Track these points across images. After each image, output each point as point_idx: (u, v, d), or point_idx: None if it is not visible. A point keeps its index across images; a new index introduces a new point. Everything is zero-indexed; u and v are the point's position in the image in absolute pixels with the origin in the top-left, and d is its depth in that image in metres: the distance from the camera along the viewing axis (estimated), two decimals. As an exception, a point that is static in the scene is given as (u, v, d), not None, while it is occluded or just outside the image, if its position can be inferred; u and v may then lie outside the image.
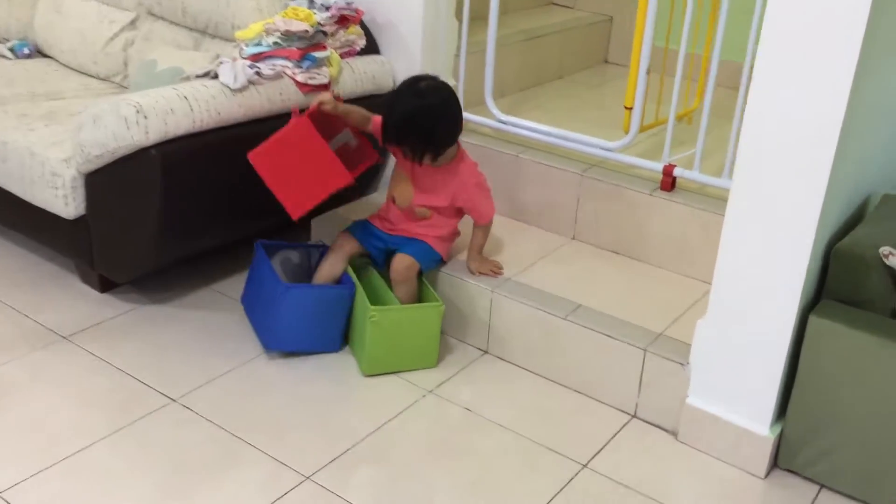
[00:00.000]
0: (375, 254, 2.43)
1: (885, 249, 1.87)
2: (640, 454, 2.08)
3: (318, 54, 2.55)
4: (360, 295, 2.27)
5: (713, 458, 2.07)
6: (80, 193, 2.38)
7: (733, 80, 2.51)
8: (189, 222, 2.39)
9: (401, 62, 2.84)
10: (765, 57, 1.79)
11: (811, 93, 1.75)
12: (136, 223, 2.32)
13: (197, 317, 2.49)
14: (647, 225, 2.53)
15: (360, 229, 2.45)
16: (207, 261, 2.68)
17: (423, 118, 2.23)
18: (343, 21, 2.69)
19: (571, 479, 1.98)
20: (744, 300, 1.95)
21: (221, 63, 2.41)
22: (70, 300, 2.53)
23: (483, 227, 2.41)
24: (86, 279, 2.59)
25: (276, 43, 2.49)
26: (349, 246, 2.42)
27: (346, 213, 2.71)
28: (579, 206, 2.65)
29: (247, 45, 2.53)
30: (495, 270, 2.41)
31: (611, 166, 2.66)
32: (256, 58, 2.50)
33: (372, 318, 2.19)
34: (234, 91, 2.36)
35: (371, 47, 2.82)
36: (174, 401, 2.14)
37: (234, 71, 2.36)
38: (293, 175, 2.28)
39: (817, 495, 1.98)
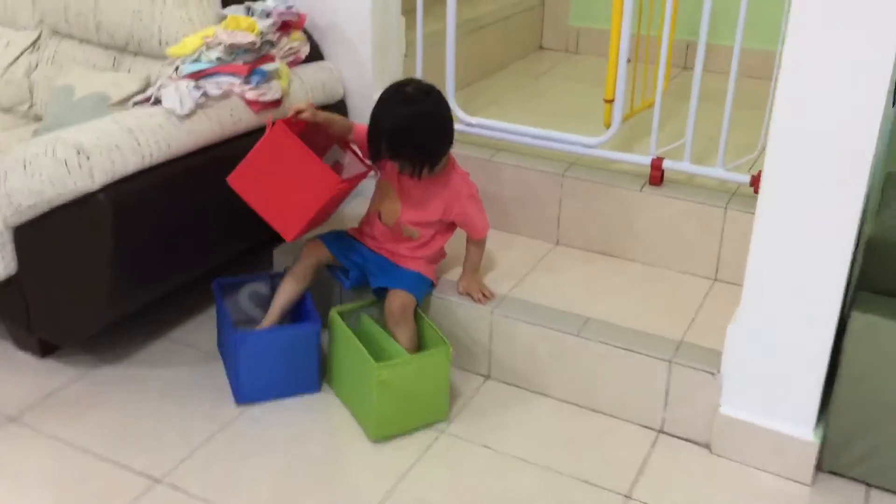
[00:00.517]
0: (350, 268, 2.18)
1: (921, 234, 1.78)
2: (678, 475, 1.94)
3: (266, 67, 2.28)
4: (357, 349, 2.00)
5: (754, 468, 1.95)
6: (9, 250, 2.05)
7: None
8: (144, 269, 2.10)
9: (349, 67, 2.60)
10: (797, 42, 1.65)
11: (850, 79, 1.62)
12: (82, 277, 2.01)
13: (158, 375, 2.20)
14: (638, 222, 2.39)
15: (336, 240, 2.20)
16: (155, 307, 2.37)
17: (418, 127, 2.01)
18: (285, 27, 2.43)
19: (616, 516, 1.82)
20: (780, 300, 1.82)
21: (161, 86, 2.12)
22: (7, 372, 2.19)
23: (478, 242, 2.21)
24: (22, 345, 2.26)
25: (219, 58, 2.21)
26: (318, 255, 2.17)
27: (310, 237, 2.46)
28: (562, 209, 2.48)
29: (183, 63, 2.24)
30: (485, 294, 2.21)
31: (589, 163, 2.50)
32: (196, 76, 2.21)
33: (380, 378, 1.92)
34: (182, 117, 2.08)
35: (314, 53, 2.57)
36: (159, 481, 1.86)
37: (178, 94, 2.08)
38: (279, 191, 2.03)
39: (867, 495, 1.89)
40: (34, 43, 2.71)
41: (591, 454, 1.98)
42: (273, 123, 2.02)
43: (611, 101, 2.43)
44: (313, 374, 2.14)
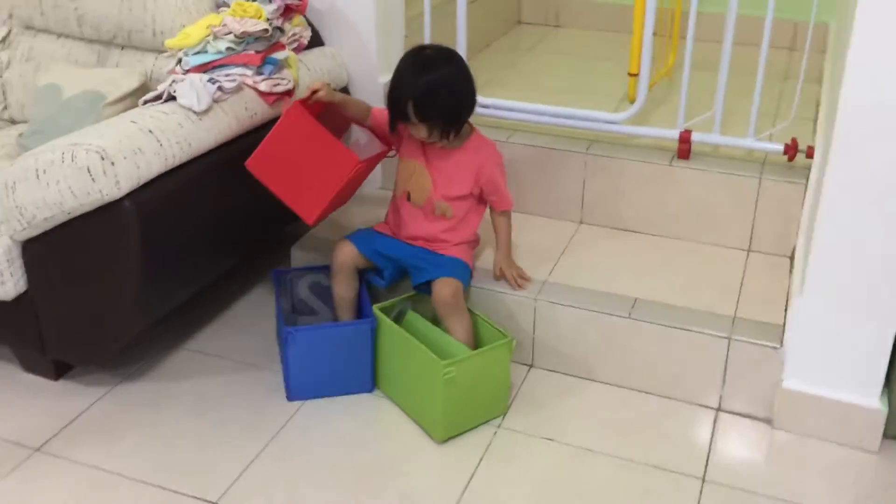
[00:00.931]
0: (385, 266, 2.09)
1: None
2: (748, 453, 1.90)
3: (278, 56, 2.14)
4: (416, 347, 1.90)
5: (820, 440, 1.92)
6: (18, 266, 1.88)
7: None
8: (170, 275, 1.96)
9: (352, 52, 2.47)
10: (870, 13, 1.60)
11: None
12: (106, 290, 1.86)
13: (188, 389, 2.06)
14: (667, 197, 2.33)
15: (365, 239, 2.10)
16: (164, 317, 2.22)
17: (445, 88, 1.95)
18: (287, 12, 2.28)
19: (700, 501, 1.77)
20: (850, 272, 1.79)
21: (174, 81, 1.96)
22: (21, 398, 2.02)
23: (505, 214, 2.12)
24: (32, 367, 2.08)
25: (229, 48, 2.06)
26: (349, 257, 2.07)
27: (327, 232, 2.34)
28: (585, 188, 2.41)
29: (186, 55, 2.08)
30: (522, 276, 2.14)
31: (611, 139, 2.44)
32: (203, 68, 2.06)
33: (447, 376, 1.82)
34: (200, 114, 1.93)
35: (314, 39, 2.43)
36: (217, 505, 1.74)
37: (194, 90, 1.93)
38: (297, 173, 1.97)
39: (933, 458, 1.89)
40: (3, 39, 2.50)
41: (656, 438, 1.93)
42: (287, 104, 1.96)
43: (635, 75, 2.36)
44: (366, 373, 2.05)
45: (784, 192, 2.23)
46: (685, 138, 2.29)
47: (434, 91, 1.93)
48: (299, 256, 2.31)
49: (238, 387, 2.08)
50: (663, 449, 1.90)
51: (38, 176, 1.75)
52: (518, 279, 2.12)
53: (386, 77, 2.49)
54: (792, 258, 2.26)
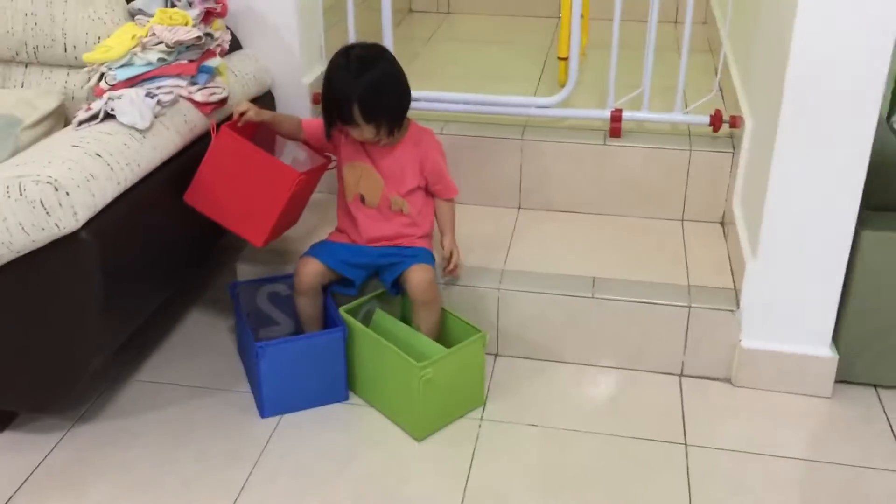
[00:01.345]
0: (353, 275, 2.05)
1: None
2: (718, 413, 1.99)
3: (211, 63, 2.04)
4: (390, 351, 1.88)
5: (778, 392, 2.04)
6: (-49, 315, 1.72)
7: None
8: (128, 305, 1.85)
9: (274, 53, 2.39)
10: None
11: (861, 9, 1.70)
12: (62, 329, 1.72)
13: (151, 423, 1.95)
14: (603, 176, 2.40)
15: (326, 252, 2.05)
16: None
17: (386, 84, 1.94)
18: (207, 17, 2.17)
19: (688, 465, 1.84)
20: (799, 230, 1.90)
21: (110, 98, 1.83)
22: (-33, 456, 1.86)
23: (450, 202, 2.12)
24: (-27, 421, 1.92)
25: (160, 59, 1.95)
26: (316, 276, 2.02)
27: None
28: (522, 173, 2.44)
29: (110, 69, 1.95)
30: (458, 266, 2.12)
31: (541, 123, 2.48)
32: (132, 82, 1.95)
33: (425, 377, 1.82)
34: (143, 132, 1.82)
35: (233, 43, 2.33)
36: (219, 540, 1.66)
37: (135, 106, 1.81)
38: (237, 198, 1.95)
39: (879, 395, 2.04)
40: None
41: (632, 411, 2.00)
42: (217, 129, 1.92)
43: (565, 59, 2.40)
44: (340, 382, 2.00)
45: (712, 162, 2.34)
46: (616, 117, 2.35)
47: (377, 89, 1.91)
48: (246, 270, 2.22)
49: (205, 413, 1.99)
50: (641, 420, 1.97)
51: (-23, 215, 1.60)
52: (456, 266, 2.10)
53: (310, 77, 2.45)
54: (722, 224, 2.39)
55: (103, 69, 1.97)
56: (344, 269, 2.04)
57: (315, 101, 2.47)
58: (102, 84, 1.95)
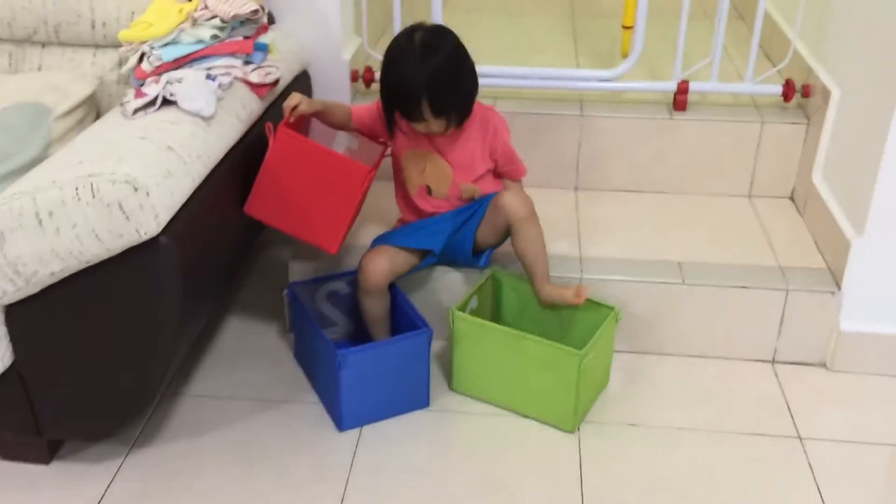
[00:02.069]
0: (430, 244, 1.87)
1: None
2: (825, 403, 1.88)
3: (265, 40, 1.83)
4: (536, 343, 1.74)
5: (879, 375, 1.95)
6: (1, 334, 1.49)
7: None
8: (198, 312, 1.65)
9: (310, 28, 2.17)
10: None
11: None
12: (131, 346, 1.51)
13: (217, 443, 1.75)
14: (669, 152, 2.26)
15: (400, 234, 1.88)
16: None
17: (456, 73, 1.76)
18: (244, -13, 1.96)
19: (809, 461, 1.73)
20: (911, 208, 1.81)
21: (169, 82, 1.61)
22: (11, 495, 1.63)
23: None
24: (11, 454, 1.69)
25: (214, 36, 1.72)
26: (382, 269, 1.83)
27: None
28: (580, 152, 2.29)
29: (153, 48, 1.72)
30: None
31: (597, 98, 2.32)
32: (179, 63, 1.72)
33: (585, 366, 1.70)
34: (209, 120, 1.60)
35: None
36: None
37: (199, 91, 1.59)
38: (303, 203, 1.76)
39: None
40: None
41: (733, 403, 1.88)
42: (273, 131, 1.72)
43: (630, 28, 2.24)
44: (423, 388, 1.84)
45: (784, 134, 2.22)
46: (683, 89, 2.22)
47: (447, 81, 1.73)
48: (299, 269, 2.02)
49: (275, 429, 1.80)
50: (747, 413, 1.85)
51: (40, 222, 1.37)
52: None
53: (349, 52, 2.25)
54: (792, 199, 2.28)
55: (144, 48, 1.73)
56: (420, 241, 1.86)
57: (354, 78, 2.27)
58: (144, 65, 1.72)
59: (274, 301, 2.08)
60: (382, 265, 1.83)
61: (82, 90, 1.78)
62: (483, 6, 3.15)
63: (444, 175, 1.87)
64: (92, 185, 1.36)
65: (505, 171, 1.93)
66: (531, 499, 1.64)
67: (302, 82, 2.14)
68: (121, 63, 1.87)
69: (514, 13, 3.12)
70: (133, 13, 1.84)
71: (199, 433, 1.79)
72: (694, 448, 1.76)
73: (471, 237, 1.88)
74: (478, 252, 1.92)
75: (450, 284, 1.96)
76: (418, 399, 1.85)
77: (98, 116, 1.85)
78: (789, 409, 1.87)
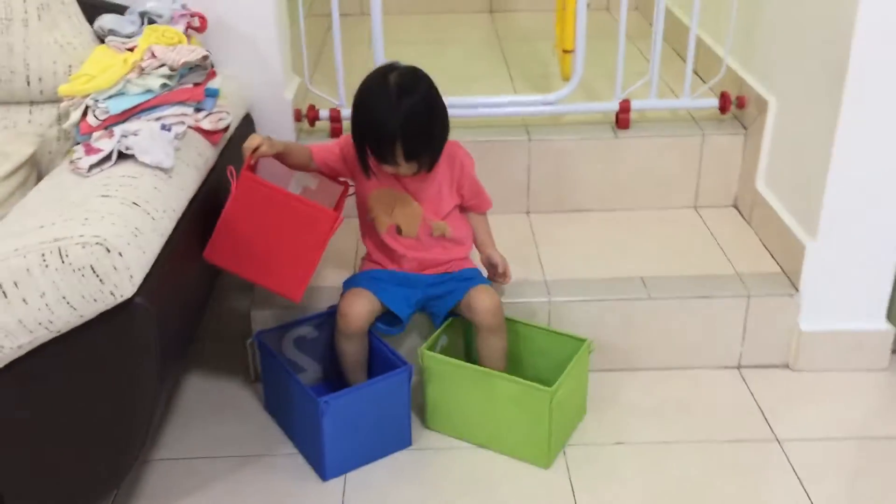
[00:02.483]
0: (402, 310, 1.84)
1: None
2: (794, 403, 1.93)
3: (214, 85, 1.78)
4: (513, 382, 1.71)
5: (838, 371, 2.01)
6: (-40, 417, 1.39)
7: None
8: (172, 370, 1.57)
9: (250, 69, 2.12)
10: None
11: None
12: (110, 415, 1.43)
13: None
14: (616, 169, 2.30)
15: (377, 283, 1.84)
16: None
17: (431, 117, 1.73)
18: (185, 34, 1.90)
19: (790, 461, 1.77)
20: (860, 206, 1.87)
21: (124, 137, 1.54)
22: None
23: (485, 217, 1.96)
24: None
25: (164, 85, 1.66)
26: (365, 311, 1.79)
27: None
28: (530, 176, 2.31)
29: (98, 101, 1.65)
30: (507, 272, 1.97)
31: (541, 122, 2.34)
32: (126, 114, 1.66)
33: (556, 401, 1.67)
34: (168, 172, 1.54)
35: (203, 60, 2.06)
36: None
37: (157, 143, 1.53)
38: (267, 249, 1.70)
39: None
40: None
41: (708, 412, 1.90)
42: (235, 174, 1.67)
43: (570, 52, 2.27)
44: (405, 427, 1.80)
45: (724, 145, 2.29)
46: (625, 108, 2.26)
47: (421, 126, 1.70)
48: (260, 317, 1.96)
49: (256, 485, 1.73)
50: (721, 421, 1.88)
51: (4, 293, 1.28)
52: (505, 272, 1.94)
53: (291, 91, 2.22)
54: (736, 206, 2.35)
55: (88, 102, 1.66)
56: (394, 304, 1.83)
57: (297, 118, 2.24)
58: (90, 119, 1.65)
59: (233, 352, 2.02)
60: (363, 307, 1.79)
61: (23, 150, 1.69)
62: (409, 38, 3.16)
63: (414, 215, 1.84)
64: (60, 249, 1.28)
65: (470, 204, 1.91)
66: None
67: (246, 125, 2.10)
68: (60, 119, 1.79)
69: (441, 42, 3.14)
70: (71, 66, 1.76)
71: (174, 499, 1.70)
72: (681, 460, 1.78)
73: (442, 314, 1.85)
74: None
75: (420, 321, 1.94)
76: (401, 439, 1.81)
77: (40, 176, 1.76)
78: (762, 413, 1.90)
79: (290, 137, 2.21)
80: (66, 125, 1.70)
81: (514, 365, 1.88)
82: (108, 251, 1.29)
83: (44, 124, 1.80)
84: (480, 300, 1.79)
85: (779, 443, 1.82)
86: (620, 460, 1.78)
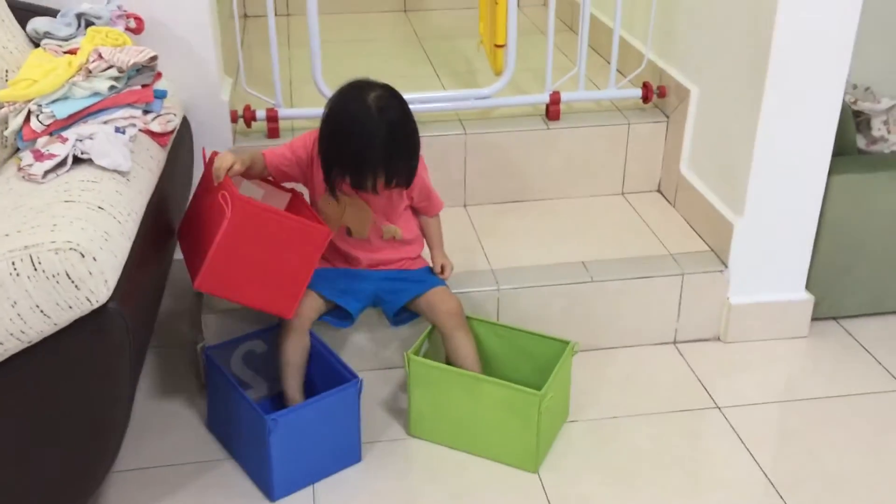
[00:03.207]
0: (351, 305, 1.86)
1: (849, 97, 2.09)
2: (728, 373, 2.05)
3: (161, 86, 1.76)
4: (502, 386, 1.72)
5: (764, 340, 2.15)
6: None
7: None
8: (137, 378, 1.55)
9: (186, 71, 2.10)
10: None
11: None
12: (82, 425, 1.40)
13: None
14: (549, 160, 2.38)
15: (323, 281, 1.85)
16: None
17: (409, 150, 1.74)
18: (121, 35, 1.87)
19: (733, 426, 1.89)
20: (781, 184, 2.01)
21: (79, 141, 1.51)
22: None
23: (437, 218, 1.98)
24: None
25: (112, 87, 1.64)
26: (313, 310, 1.82)
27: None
28: (467, 169, 2.36)
29: (41, 106, 1.61)
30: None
31: (473, 115, 2.40)
32: (74, 118, 1.63)
33: (545, 406, 1.70)
34: (126, 175, 1.53)
35: (136, 63, 2.03)
36: None
37: (114, 146, 1.51)
38: (261, 272, 1.68)
39: (840, 325, 2.21)
40: None
41: (652, 387, 2.01)
42: (228, 202, 1.60)
43: (502, 46, 2.34)
44: (355, 442, 1.78)
45: (647, 132, 2.40)
46: (556, 100, 2.35)
47: (405, 157, 1.72)
48: (215, 323, 1.94)
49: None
50: (670, 393, 1.98)
51: (-29, 303, 1.26)
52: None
53: (226, 93, 2.21)
54: (660, 190, 2.47)
55: (31, 107, 1.62)
56: (342, 299, 1.85)
57: (234, 119, 2.23)
58: (34, 124, 1.61)
59: (177, 357, 2.01)
60: (312, 301, 1.81)
61: (-41, 157, 1.63)
62: (327, 37, 3.15)
63: (364, 217, 1.85)
64: (31, 257, 1.26)
65: (421, 206, 1.92)
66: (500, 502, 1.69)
67: (184, 128, 2.07)
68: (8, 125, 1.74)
69: (361, 41, 3.16)
70: (7, 72, 1.71)
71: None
72: (632, 433, 1.87)
73: (393, 310, 1.88)
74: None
75: (370, 319, 1.97)
76: (350, 455, 1.78)
77: (-22, 185, 1.71)
78: (701, 384, 2.02)
79: (228, 139, 2.20)
80: (8, 131, 1.65)
81: (497, 368, 1.92)
82: (83, 256, 1.28)
83: (-20, 132, 1.75)
84: (443, 302, 1.83)
85: (719, 409, 1.94)
86: (575, 437, 1.86)
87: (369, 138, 1.67)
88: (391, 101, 1.72)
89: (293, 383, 1.83)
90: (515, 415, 1.72)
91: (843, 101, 1.98)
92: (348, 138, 1.69)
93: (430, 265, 1.95)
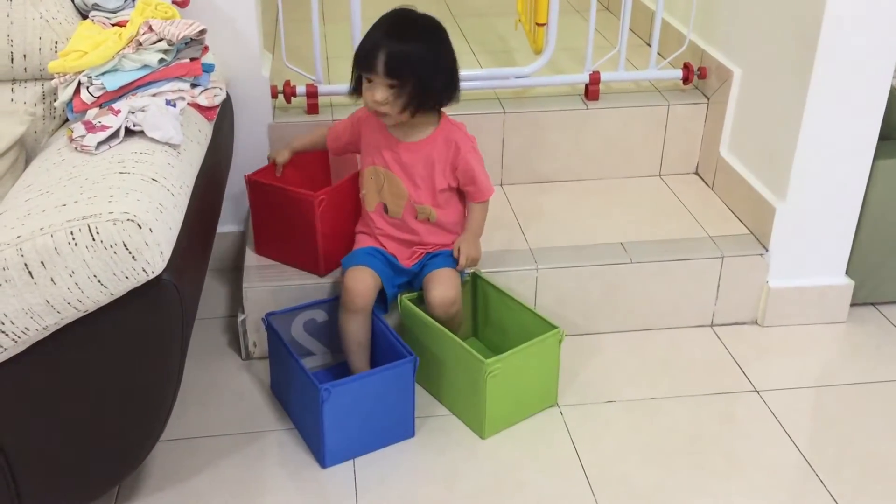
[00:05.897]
0: (391, 292, 1.89)
1: (895, 82, 2.06)
2: (766, 357, 2.05)
3: (209, 60, 1.76)
4: (461, 348, 1.75)
5: (803, 325, 2.14)
6: (-24, 404, 1.37)
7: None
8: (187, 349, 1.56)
9: (229, 48, 2.09)
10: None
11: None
12: (135, 396, 1.42)
13: (207, 485, 1.69)
14: (586, 140, 2.37)
15: (372, 259, 1.87)
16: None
17: (423, 50, 1.77)
18: (166, 8, 1.88)
19: (772, 410, 1.89)
20: (826, 168, 1.99)
21: (132, 113, 1.52)
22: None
23: (482, 204, 1.95)
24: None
25: (161, 60, 1.64)
26: (369, 286, 1.82)
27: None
28: (505, 148, 2.36)
29: (94, 77, 1.62)
30: (475, 261, 1.95)
31: (511, 94, 2.40)
32: (122, 91, 1.63)
33: (492, 374, 1.72)
34: (177, 147, 1.53)
35: (179, 36, 2.03)
36: None
37: (166, 119, 1.52)
38: (288, 236, 2.00)
39: (880, 311, 2.20)
40: None
41: (689, 368, 2.01)
42: (249, 181, 2.00)
43: (543, 25, 2.32)
44: (408, 417, 1.79)
45: (687, 114, 2.38)
46: (595, 79, 2.33)
47: (410, 41, 1.75)
48: (254, 297, 1.96)
49: (259, 467, 1.74)
50: (706, 376, 1.98)
51: (30, 274, 1.27)
52: (470, 263, 1.93)
53: (268, 69, 2.22)
54: (697, 173, 2.46)
55: (81, 78, 1.63)
56: (390, 286, 1.87)
57: (274, 94, 2.23)
58: (84, 96, 1.62)
59: (220, 328, 2.04)
60: (367, 283, 1.81)
61: (14, 129, 1.64)
62: (365, 13, 3.15)
63: (400, 195, 1.86)
64: (90, 227, 1.27)
65: (467, 190, 1.91)
66: (541, 485, 1.69)
67: (225, 102, 2.08)
68: (45, 96, 1.75)
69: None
70: (56, 43, 1.72)
71: (186, 478, 1.70)
72: (670, 415, 1.87)
73: (403, 279, 1.93)
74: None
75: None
76: (404, 430, 1.80)
77: (28, 156, 1.72)
78: (739, 367, 2.02)
79: (267, 113, 2.21)
80: (58, 102, 1.66)
81: (503, 340, 1.93)
82: (140, 227, 1.29)
83: (28, 102, 1.75)
84: (435, 287, 1.83)
85: (757, 393, 1.94)
86: (613, 417, 1.87)
87: (384, 20, 1.79)
88: (430, 19, 1.82)
89: (358, 359, 1.86)
90: (469, 377, 1.77)
91: (891, 84, 1.96)
92: (374, 27, 1.80)
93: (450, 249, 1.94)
